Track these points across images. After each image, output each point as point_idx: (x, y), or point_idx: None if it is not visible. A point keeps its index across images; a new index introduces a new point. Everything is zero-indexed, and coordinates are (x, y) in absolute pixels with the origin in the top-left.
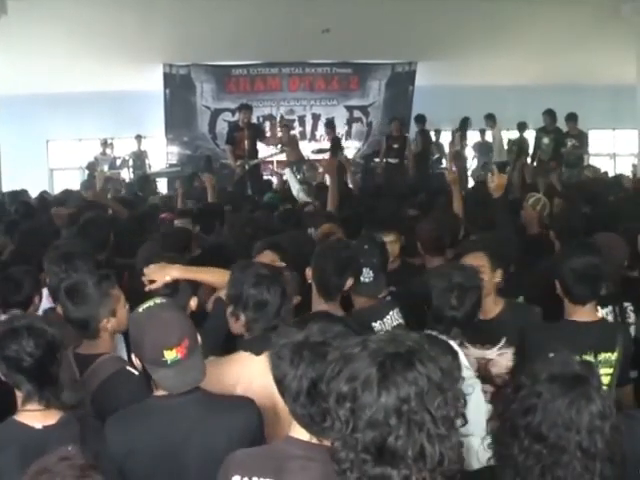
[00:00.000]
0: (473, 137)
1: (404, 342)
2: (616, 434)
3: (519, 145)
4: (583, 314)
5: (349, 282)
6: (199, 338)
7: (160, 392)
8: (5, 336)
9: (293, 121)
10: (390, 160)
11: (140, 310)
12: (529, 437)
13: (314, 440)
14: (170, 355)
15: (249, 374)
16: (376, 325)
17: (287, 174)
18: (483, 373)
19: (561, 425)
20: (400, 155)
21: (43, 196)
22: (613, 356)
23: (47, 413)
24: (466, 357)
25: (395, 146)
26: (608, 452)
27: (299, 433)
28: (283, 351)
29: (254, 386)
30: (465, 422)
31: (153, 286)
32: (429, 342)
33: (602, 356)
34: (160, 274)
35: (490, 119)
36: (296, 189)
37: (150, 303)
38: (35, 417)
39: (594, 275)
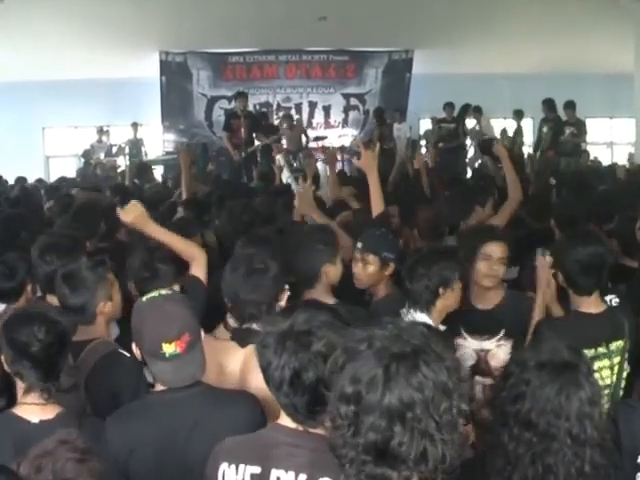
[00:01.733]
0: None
1: (410, 340)
2: (606, 420)
3: (516, 133)
4: (590, 305)
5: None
6: (202, 334)
7: (160, 387)
8: (18, 320)
9: (290, 109)
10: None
11: (144, 299)
12: (519, 425)
13: (301, 427)
14: (169, 348)
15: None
16: None
17: (280, 160)
18: (483, 366)
19: (550, 412)
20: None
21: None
22: (623, 343)
23: (45, 408)
24: (464, 348)
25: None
26: (598, 438)
27: (286, 420)
28: (267, 340)
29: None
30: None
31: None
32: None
33: (614, 345)
34: (135, 216)
35: (477, 111)
36: (286, 176)
37: (155, 293)
38: (33, 411)
39: (599, 265)
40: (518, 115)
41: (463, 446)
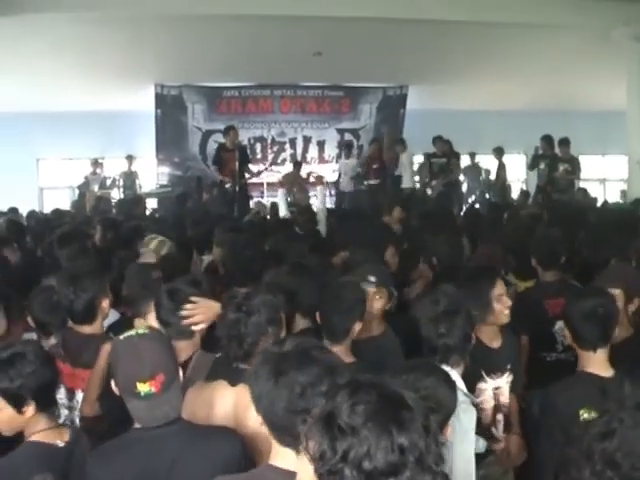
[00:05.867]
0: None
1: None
2: None
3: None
4: (596, 365)
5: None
6: (180, 374)
7: (138, 425)
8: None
9: (284, 143)
10: (370, 182)
11: (121, 338)
12: (602, 462)
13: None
14: (143, 388)
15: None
16: None
17: (279, 196)
18: (497, 402)
19: (636, 456)
20: (380, 175)
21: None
22: None
23: (60, 431)
24: (485, 393)
25: (374, 166)
26: None
27: (279, 461)
28: (259, 368)
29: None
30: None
31: (199, 327)
32: (425, 371)
33: None
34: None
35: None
36: (284, 212)
37: (133, 332)
38: (54, 435)
39: (603, 316)
40: (499, 152)
41: None
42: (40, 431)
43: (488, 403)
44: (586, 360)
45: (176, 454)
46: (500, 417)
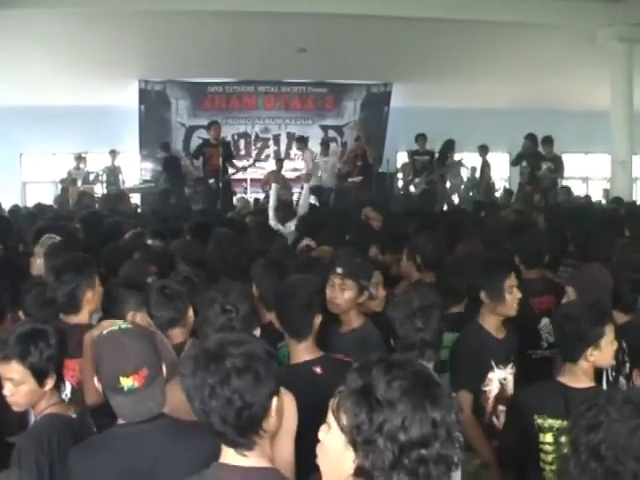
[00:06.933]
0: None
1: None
2: None
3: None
4: (568, 376)
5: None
6: (164, 369)
7: (122, 420)
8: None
9: (268, 139)
10: (354, 179)
11: (104, 332)
12: (588, 454)
13: (258, 464)
14: (126, 382)
15: None
16: None
17: (272, 191)
18: (504, 394)
19: (620, 448)
20: (364, 173)
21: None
22: None
23: (67, 405)
24: (493, 382)
25: (359, 164)
26: None
27: (229, 458)
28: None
29: None
30: None
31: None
32: None
33: None
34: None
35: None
36: (272, 212)
37: (115, 327)
38: (68, 408)
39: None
40: (483, 150)
41: None
42: (53, 404)
43: (492, 393)
44: (562, 369)
45: (159, 450)
46: (502, 408)
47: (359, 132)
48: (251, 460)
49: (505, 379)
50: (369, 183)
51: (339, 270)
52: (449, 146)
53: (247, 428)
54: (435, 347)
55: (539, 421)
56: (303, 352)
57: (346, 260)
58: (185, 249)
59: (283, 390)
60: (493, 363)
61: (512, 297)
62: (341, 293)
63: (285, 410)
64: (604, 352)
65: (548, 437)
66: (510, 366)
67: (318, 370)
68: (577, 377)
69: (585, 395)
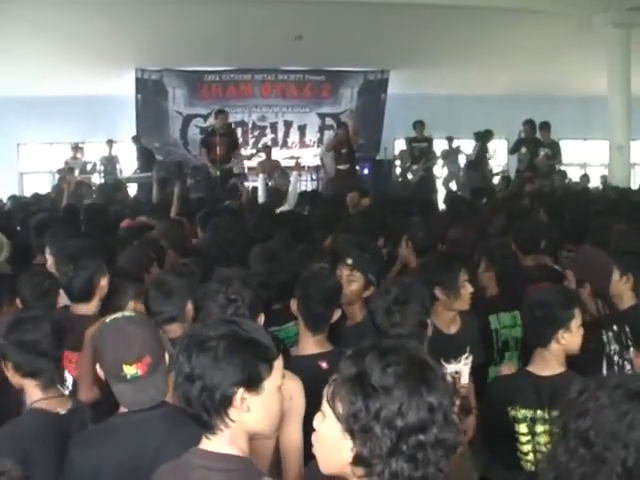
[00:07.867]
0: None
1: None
2: None
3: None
4: (539, 363)
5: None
6: (167, 357)
7: (124, 409)
8: (19, 323)
9: (265, 127)
10: (340, 167)
11: (107, 320)
12: (576, 439)
13: (222, 449)
14: (129, 370)
15: None
16: None
17: (260, 181)
18: (456, 387)
19: (609, 434)
20: (350, 160)
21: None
22: None
23: (62, 400)
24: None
25: (343, 151)
26: None
27: (205, 443)
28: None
29: None
30: None
31: None
32: None
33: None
34: None
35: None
36: (262, 198)
37: (119, 315)
38: (56, 404)
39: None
40: (480, 136)
41: None
42: (45, 399)
43: None
44: (532, 356)
45: (161, 438)
46: (457, 401)
47: (349, 121)
48: (215, 444)
49: (457, 372)
50: (353, 170)
51: (349, 261)
52: (488, 136)
53: (209, 409)
54: (416, 339)
55: (512, 413)
56: (313, 345)
57: (357, 252)
58: (170, 232)
59: (289, 375)
60: (442, 361)
61: (466, 291)
62: (348, 284)
63: (293, 394)
64: (574, 335)
65: (522, 427)
66: (464, 357)
67: (324, 365)
68: (547, 363)
69: (555, 382)
